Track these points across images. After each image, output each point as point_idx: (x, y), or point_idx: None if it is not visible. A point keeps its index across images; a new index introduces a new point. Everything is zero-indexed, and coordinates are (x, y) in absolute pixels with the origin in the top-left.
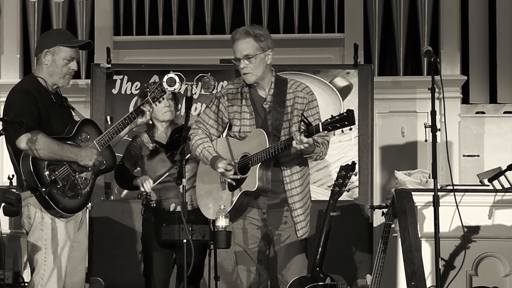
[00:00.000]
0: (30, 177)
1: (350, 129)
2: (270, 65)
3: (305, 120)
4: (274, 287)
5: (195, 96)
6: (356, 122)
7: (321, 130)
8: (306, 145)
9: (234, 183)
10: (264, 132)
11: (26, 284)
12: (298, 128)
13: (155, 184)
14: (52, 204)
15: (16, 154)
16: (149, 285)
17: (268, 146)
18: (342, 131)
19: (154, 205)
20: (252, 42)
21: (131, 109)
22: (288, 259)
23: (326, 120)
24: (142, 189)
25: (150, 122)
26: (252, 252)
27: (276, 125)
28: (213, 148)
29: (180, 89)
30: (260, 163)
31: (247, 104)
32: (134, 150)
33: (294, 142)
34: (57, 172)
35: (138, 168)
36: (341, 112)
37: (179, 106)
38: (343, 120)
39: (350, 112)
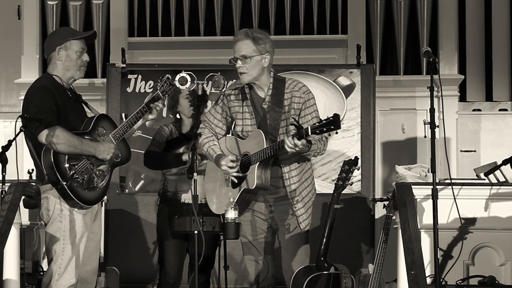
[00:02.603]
0: (51, 171)
1: (336, 132)
2: (269, 67)
3: (295, 123)
4: (279, 276)
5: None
6: (359, 120)
7: (309, 134)
8: (299, 147)
9: (236, 181)
10: (262, 133)
11: (44, 273)
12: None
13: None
14: (72, 196)
15: (36, 149)
16: (163, 271)
17: (265, 147)
18: (329, 135)
19: (170, 195)
20: (250, 44)
21: None
22: (293, 250)
23: (315, 124)
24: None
25: (178, 117)
26: (258, 244)
27: (273, 125)
28: (218, 146)
29: (191, 87)
30: (258, 163)
31: (247, 104)
32: (162, 138)
33: (286, 145)
34: (76, 166)
35: None
36: (328, 117)
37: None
38: (329, 124)
39: (336, 116)
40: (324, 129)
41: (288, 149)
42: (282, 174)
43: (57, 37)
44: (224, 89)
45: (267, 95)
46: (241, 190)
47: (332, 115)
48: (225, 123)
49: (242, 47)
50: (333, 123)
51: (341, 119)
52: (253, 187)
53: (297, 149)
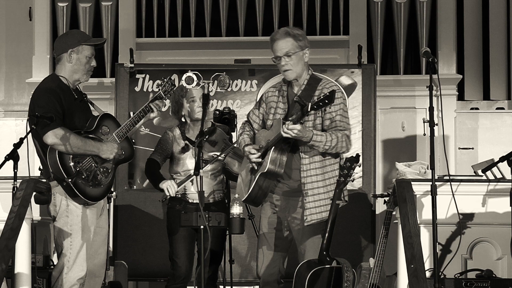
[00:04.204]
0: (57, 168)
1: (330, 107)
2: (307, 63)
3: (299, 102)
4: (289, 270)
5: (211, 94)
6: (360, 118)
7: (309, 110)
8: (295, 131)
9: (256, 167)
10: (282, 121)
11: (54, 266)
12: (321, 121)
13: (178, 188)
14: (77, 193)
15: (43, 147)
16: (175, 266)
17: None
18: (324, 110)
19: (179, 196)
20: (292, 41)
21: None
22: (303, 242)
23: (314, 100)
24: (167, 193)
25: (183, 120)
26: (269, 236)
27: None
28: (250, 137)
29: (197, 86)
30: (273, 147)
31: (283, 101)
32: (166, 145)
33: (282, 130)
34: (81, 164)
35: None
36: (326, 93)
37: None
38: (325, 99)
39: (331, 92)
40: (321, 103)
41: (284, 134)
42: (300, 165)
43: (70, 39)
44: (229, 88)
45: (300, 90)
46: (258, 174)
47: (329, 91)
48: (262, 118)
49: (284, 45)
50: (328, 97)
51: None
52: (265, 170)
53: (294, 132)
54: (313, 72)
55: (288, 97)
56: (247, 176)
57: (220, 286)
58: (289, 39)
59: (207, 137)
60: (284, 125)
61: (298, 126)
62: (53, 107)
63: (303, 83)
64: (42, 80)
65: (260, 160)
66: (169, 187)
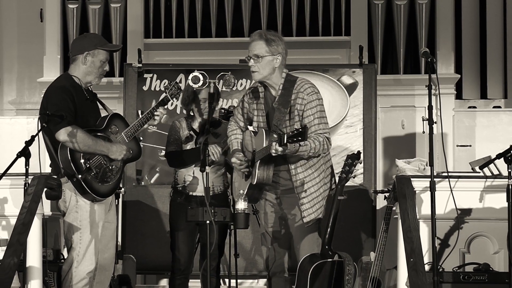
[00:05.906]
0: (68, 165)
1: (303, 141)
2: (280, 67)
3: (277, 131)
4: (293, 263)
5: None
6: (361, 116)
7: (285, 141)
8: (279, 152)
9: (246, 174)
10: (264, 133)
11: (64, 260)
12: (300, 126)
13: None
14: (87, 189)
15: (53, 144)
16: (175, 258)
17: (264, 146)
18: (300, 145)
19: (180, 188)
20: (263, 45)
21: None
22: (300, 238)
23: (289, 133)
24: (212, 158)
25: (191, 114)
26: (272, 233)
27: (277, 125)
28: (238, 141)
29: (204, 85)
30: (259, 161)
31: (260, 102)
32: (177, 134)
33: (271, 151)
34: (91, 161)
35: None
36: (299, 128)
37: (218, 103)
38: (297, 135)
39: (303, 128)
40: (294, 139)
41: (273, 154)
42: (289, 168)
43: (87, 42)
44: (235, 87)
45: (277, 95)
46: (248, 185)
47: (302, 126)
48: (247, 118)
49: (255, 47)
50: (301, 134)
51: (344, 115)
52: (254, 183)
53: (279, 153)
54: (288, 73)
55: (267, 100)
56: (241, 179)
57: (226, 279)
58: (261, 42)
59: (211, 128)
60: (272, 146)
61: (280, 149)
62: (66, 105)
63: (279, 88)
64: (56, 79)
65: (247, 170)
66: (214, 153)
